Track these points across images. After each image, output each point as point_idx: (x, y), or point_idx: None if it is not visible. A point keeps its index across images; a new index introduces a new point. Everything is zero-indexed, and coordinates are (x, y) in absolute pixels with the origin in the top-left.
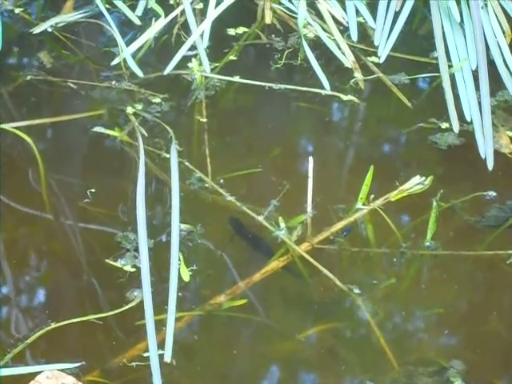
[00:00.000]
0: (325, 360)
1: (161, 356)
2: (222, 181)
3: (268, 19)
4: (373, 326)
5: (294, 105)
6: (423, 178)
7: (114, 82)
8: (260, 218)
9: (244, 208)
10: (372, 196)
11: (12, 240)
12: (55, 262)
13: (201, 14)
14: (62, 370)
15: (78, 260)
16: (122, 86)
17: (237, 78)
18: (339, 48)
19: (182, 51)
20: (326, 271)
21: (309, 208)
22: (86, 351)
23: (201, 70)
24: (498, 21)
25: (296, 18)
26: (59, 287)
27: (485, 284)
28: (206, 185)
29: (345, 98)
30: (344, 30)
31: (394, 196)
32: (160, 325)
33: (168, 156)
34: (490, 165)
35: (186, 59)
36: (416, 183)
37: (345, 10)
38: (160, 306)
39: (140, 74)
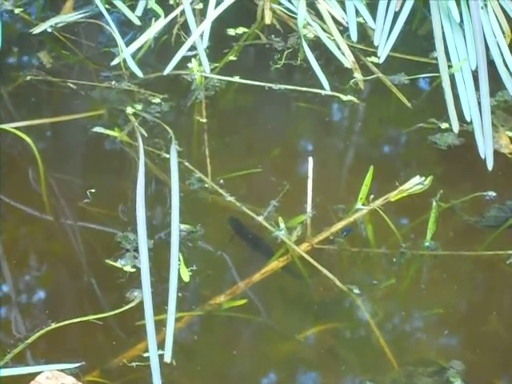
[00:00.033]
0: (325, 360)
1: (161, 356)
2: (221, 181)
3: (268, 19)
4: (372, 326)
5: (293, 105)
6: (423, 178)
7: (113, 83)
8: (260, 219)
9: (244, 208)
10: (372, 196)
11: (12, 240)
12: (55, 262)
13: (200, 15)
14: (62, 371)
15: (78, 260)
16: (121, 87)
17: (236, 79)
18: (339, 48)
19: (182, 51)
20: (325, 271)
21: (308, 208)
22: (85, 351)
23: (200, 70)
24: (498, 21)
25: (296, 19)
26: (59, 287)
27: (484, 284)
28: (206, 185)
29: (344, 98)
30: (344, 31)
31: (393, 196)
32: (160, 325)
33: (168, 156)
34: (490, 165)
35: (185, 59)
36: (416, 183)
37: (344, 10)
38: (160, 306)
39: (140, 74)
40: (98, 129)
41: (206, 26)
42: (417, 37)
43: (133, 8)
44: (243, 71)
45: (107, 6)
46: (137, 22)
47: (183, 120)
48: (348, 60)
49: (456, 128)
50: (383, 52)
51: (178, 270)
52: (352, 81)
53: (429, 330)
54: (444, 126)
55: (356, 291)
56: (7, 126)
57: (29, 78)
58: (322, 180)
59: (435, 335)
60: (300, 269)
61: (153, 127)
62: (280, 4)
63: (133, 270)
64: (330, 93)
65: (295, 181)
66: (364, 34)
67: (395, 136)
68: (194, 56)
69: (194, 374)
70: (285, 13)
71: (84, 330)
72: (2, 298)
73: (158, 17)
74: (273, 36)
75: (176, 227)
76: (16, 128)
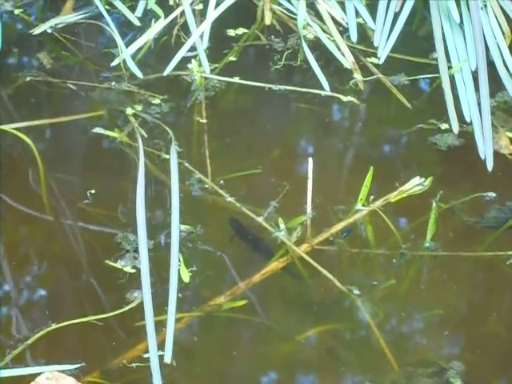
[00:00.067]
0: (324, 361)
1: (161, 357)
2: (221, 182)
3: (268, 20)
4: (372, 327)
5: (293, 106)
6: (423, 178)
7: (113, 83)
8: (260, 219)
9: (244, 209)
10: (372, 197)
11: (12, 241)
12: (55, 263)
13: (200, 15)
14: (62, 371)
15: (78, 261)
16: (121, 87)
17: (236, 79)
18: (339, 49)
19: (182, 52)
20: (325, 272)
21: (308, 209)
22: (86, 352)
23: (200, 70)
24: (498, 22)
25: (296, 19)
26: (59, 288)
27: (484, 285)
28: (206, 186)
29: (344, 98)
30: (343, 31)
31: (393, 197)
32: (160, 326)
33: (168, 157)
34: (490, 166)
35: (185, 60)
36: (416, 184)
37: (344, 10)
38: (160, 306)
39: (140, 75)
40: (97, 129)
41: (206, 26)
42: (417, 37)
43: (133, 9)
44: (243, 72)
45: (107, 7)
46: (137, 22)
47: (183, 121)
48: (348, 61)
49: (456, 129)
50: (383, 53)
51: (178, 270)
52: (352, 81)
53: (429, 330)
54: (444, 126)
55: (356, 292)
56: (7, 127)
57: (29, 78)
58: (321, 181)
59: (435, 336)
60: (300, 269)
61: (153, 128)
62: (280, 5)
63: (133, 270)
64: (329, 93)
65: (295, 181)
66: (364, 34)
67: (395, 137)
68: (194, 57)
69: (194, 374)
70: (285, 13)
71: (84, 330)
72: (2, 299)
73: (157, 17)
74: (273, 37)
75: (176, 228)
76: (16, 129)
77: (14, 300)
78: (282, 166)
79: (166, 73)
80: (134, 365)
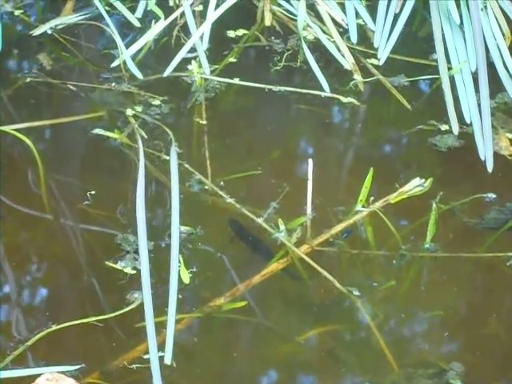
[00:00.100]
0: (324, 362)
1: (161, 358)
2: (221, 183)
3: (268, 21)
4: (372, 328)
5: (293, 107)
6: (423, 180)
7: (113, 84)
8: (260, 220)
9: (244, 210)
10: (372, 198)
11: (12, 242)
12: (55, 264)
13: (200, 16)
14: (62, 372)
15: (78, 262)
16: (121, 88)
17: (236, 80)
18: (339, 50)
19: (182, 53)
20: (325, 273)
21: (308, 210)
22: (86, 353)
23: (200, 72)
24: (498, 23)
25: (296, 20)
26: (59, 289)
27: (484, 286)
28: (206, 187)
29: (344, 100)
30: (344, 32)
31: (393, 198)
32: (160, 327)
33: (168, 158)
34: (490, 167)
35: (185, 61)
36: (416, 185)
37: (344, 11)
38: (160, 308)
39: (140, 76)
40: (97, 131)
41: (206, 27)
42: (417, 39)
43: (133, 10)
44: (243, 73)
45: (107, 8)
46: (137, 23)
47: (183, 122)
48: (348, 62)
49: (456, 130)
50: (383, 54)
51: (178, 271)
52: (352, 83)
53: (429, 331)
54: (444, 127)
55: (356, 293)
56: (7, 128)
57: (29, 79)
58: (321, 182)
59: (435, 337)
60: (300, 271)
61: (153, 129)
62: (280, 6)
63: (133, 271)
64: (329, 95)
65: (295, 183)
66: (364, 35)
67: (395, 138)
68: (194, 58)
69: (194, 375)
70: (285, 15)
71: (84, 331)
72: (2, 300)
73: (157, 19)
74: (273, 38)
75: (176, 229)
76: (16, 130)
77: (14, 301)
78: (282, 167)
79: (166, 74)
80: (134, 366)
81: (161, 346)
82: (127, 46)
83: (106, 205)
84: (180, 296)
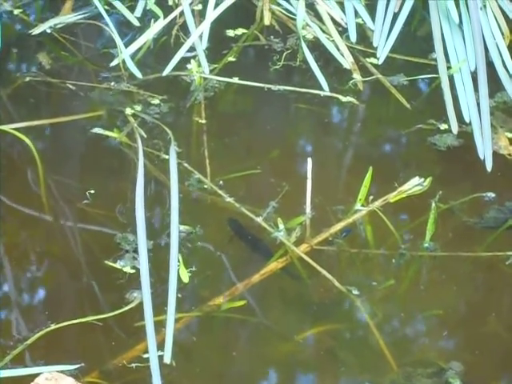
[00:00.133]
0: (323, 361)
1: (160, 357)
2: (221, 182)
3: (267, 20)
4: (372, 328)
5: (292, 106)
6: (422, 179)
7: (112, 84)
8: (259, 220)
9: (243, 209)
10: (371, 197)
11: (11, 241)
12: (54, 263)
13: (200, 16)
14: (62, 372)
15: (77, 261)
16: (120, 87)
17: (236, 80)
18: (338, 49)
19: (181, 52)
20: (324, 272)
21: (308, 209)
22: (85, 352)
23: (200, 71)
24: (497, 22)
25: (295, 20)
26: (58, 288)
27: (484, 285)
28: (205, 186)
29: (344, 99)
30: (343, 32)
31: (392, 197)
32: (159, 326)
33: (167, 157)
34: (489, 166)
35: (184, 60)
36: (415, 184)
37: (343, 11)
38: (159, 307)
39: (139, 75)
40: (97, 130)
41: (205, 26)
42: (416, 38)
43: (132, 9)
44: (242, 72)
45: (106, 7)
46: (136, 22)
47: (182, 121)
48: (347, 61)
49: (455, 129)
50: (382, 53)
51: (178, 270)
52: (351, 82)
53: (428, 331)
54: (443, 127)
55: (355, 292)
56: (6, 127)
57: (28, 79)
58: (321, 181)
59: (434, 336)
60: (299, 270)
61: (152, 128)
62: (279, 5)
63: (132, 270)
64: (329, 94)
65: (294, 182)
66: (363, 34)
67: (394, 137)
68: (193, 57)
69: (193, 374)
70: (284, 14)
71: (83, 330)
72: (1, 299)
73: (157, 18)
74: (272, 37)
75: (175, 228)
76: (15, 129)
77: (13, 300)
78: (281, 167)
79: (165, 73)
80: (133, 365)
81: (160, 345)
82: (126, 45)
83: (106, 204)
84: (179, 295)
